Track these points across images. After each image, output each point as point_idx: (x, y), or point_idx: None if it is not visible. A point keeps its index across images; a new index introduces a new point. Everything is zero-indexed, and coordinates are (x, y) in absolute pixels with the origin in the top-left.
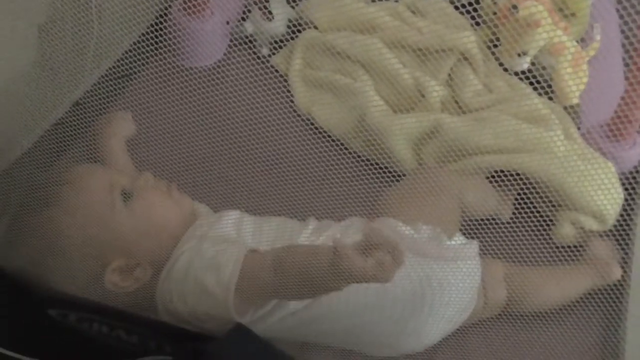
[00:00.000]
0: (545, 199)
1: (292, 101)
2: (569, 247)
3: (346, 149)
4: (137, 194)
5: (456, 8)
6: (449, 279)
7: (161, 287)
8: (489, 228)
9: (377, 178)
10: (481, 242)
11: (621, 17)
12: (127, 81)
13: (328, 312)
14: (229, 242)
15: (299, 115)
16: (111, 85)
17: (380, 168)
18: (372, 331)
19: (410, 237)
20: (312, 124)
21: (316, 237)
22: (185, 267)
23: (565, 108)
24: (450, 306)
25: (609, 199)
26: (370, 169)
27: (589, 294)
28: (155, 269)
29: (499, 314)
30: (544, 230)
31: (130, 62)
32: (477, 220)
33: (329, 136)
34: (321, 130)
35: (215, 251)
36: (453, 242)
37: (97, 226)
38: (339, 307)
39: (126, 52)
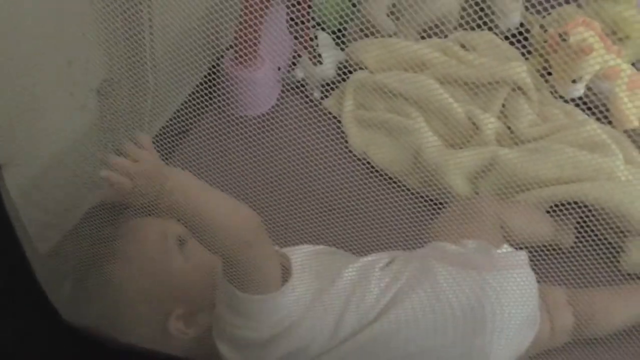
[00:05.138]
0: (612, 227)
1: (346, 142)
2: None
3: (403, 186)
4: (192, 238)
5: (506, 38)
6: (504, 288)
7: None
8: (551, 256)
9: (433, 214)
10: (543, 269)
11: None
12: (184, 135)
13: (387, 339)
14: None
15: (354, 156)
16: (168, 140)
17: (437, 204)
18: (439, 358)
19: (458, 252)
20: (368, 163)
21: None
22: None
23: (625, 132)
24: (513, 319)
25: None
26: (426, 206)
27: None
28: None
29: (570, 343)
30: (613, 258)
31: (186, 116)
32: (537, 247)
33: (386, 175)
34: (377, 169)
35: None
36: (501, 252)
37: (157, 275)
38: (399, 332)
39: (181, 107)
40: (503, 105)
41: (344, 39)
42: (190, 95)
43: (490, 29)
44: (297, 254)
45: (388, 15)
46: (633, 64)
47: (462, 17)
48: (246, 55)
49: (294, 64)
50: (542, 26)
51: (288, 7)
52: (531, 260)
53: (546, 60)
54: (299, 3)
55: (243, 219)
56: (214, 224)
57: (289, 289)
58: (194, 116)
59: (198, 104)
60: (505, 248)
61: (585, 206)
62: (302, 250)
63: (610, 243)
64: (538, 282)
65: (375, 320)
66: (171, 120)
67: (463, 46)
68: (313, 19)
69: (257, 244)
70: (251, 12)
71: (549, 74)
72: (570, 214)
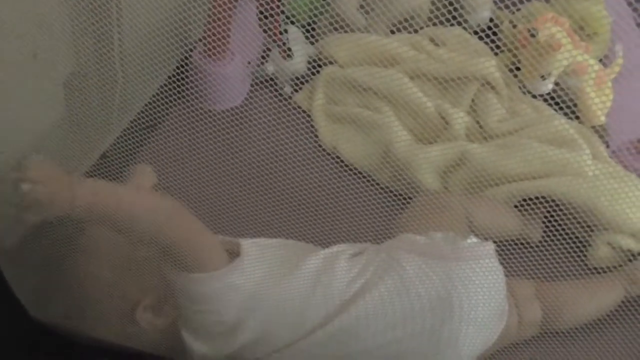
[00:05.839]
0: (579, 222)
1: (316, 137)
2: (606, 268)
3: (373, 181)
4: None
5: (475, 33)
6: (471, 277)
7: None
8: (519, 250)
9: (403, 209)
10: (511, 263)
11: None
12: (153, 129)
13: (356, 330)
14: None
15: (324, 151)
16: (137, 134)
17: (406, 199)
18: (409, 348)
19: (425, 243)
20: (338, 158)
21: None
22: None
23: (592, 127)
24: (481, 310)
25: None
26: (396, 201)
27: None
28: None
29: (538, 335)
30: (580, 252)
31: (155, 110)
32: (506, 241)
33: (356, 169)
34: (347, 164)
35: None
36: (468, 242)
37: (122, 267)
38: (368, 322)
39: (150, 101)
40: (472, 101)
41: (314, 33)
42: (159, 89)
43: (459, 24)
44: (260, 242)
45: (358, 10)
46: (600, 60)
47: (432, 12)
48: (216, 48)
49: (264, 58)
50: (511, 22)
51: (258, 1)
52: (499, 254)
53: (515, 56)
54: None
55: (158, 203)
56: (139, 218)
57: (239, 270)
58: (163, 110)
59: (167, 97)
60: (472, 239)
61: (553, 201)
62: (268, 240)
63: (577, 237)
64: (506, 275)
65: (344, 310)
66: (140, 114)
67: (433, 41)
68: (283, 12)
69: (179, 218)
70: (221, 5)
71: (518, 69)
72: (538, 208)
